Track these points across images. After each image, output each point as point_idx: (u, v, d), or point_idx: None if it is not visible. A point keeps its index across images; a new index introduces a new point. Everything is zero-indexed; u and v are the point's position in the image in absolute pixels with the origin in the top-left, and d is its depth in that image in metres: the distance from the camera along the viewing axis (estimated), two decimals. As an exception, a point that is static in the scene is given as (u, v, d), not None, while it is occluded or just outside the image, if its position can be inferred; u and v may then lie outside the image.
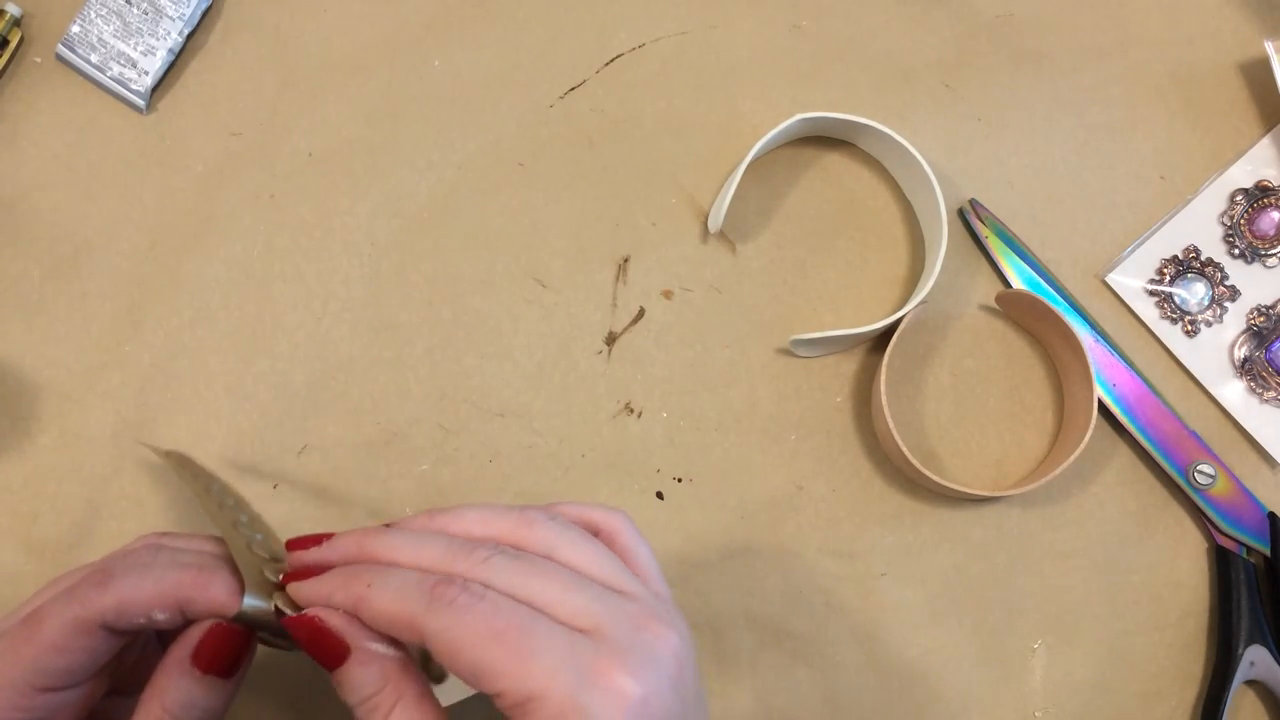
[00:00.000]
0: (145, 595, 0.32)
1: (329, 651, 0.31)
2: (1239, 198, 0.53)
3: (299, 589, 0.32)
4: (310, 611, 0.32)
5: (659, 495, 0.48)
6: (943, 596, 0.49)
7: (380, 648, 0.31)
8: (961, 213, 0.52)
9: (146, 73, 0.48)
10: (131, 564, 0.33)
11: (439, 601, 0.29)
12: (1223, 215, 0.53)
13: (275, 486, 0.47)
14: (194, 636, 0.32)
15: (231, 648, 0.32)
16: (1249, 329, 0.52)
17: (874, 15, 0.53)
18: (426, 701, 0.31)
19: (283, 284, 0.49)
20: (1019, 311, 0.51)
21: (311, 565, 0.33)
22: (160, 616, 0.32)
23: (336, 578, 0.32)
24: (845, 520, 0.49)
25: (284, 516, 0.47)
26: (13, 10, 0.48)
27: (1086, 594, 0.49)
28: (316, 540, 0.34)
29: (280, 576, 0.33)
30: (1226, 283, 0.52)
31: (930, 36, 0.54)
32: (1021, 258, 0.51)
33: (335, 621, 0.31)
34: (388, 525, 0.34)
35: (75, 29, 0.48)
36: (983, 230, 0.51)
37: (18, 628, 0.32)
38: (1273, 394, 0.51)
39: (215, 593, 0.32)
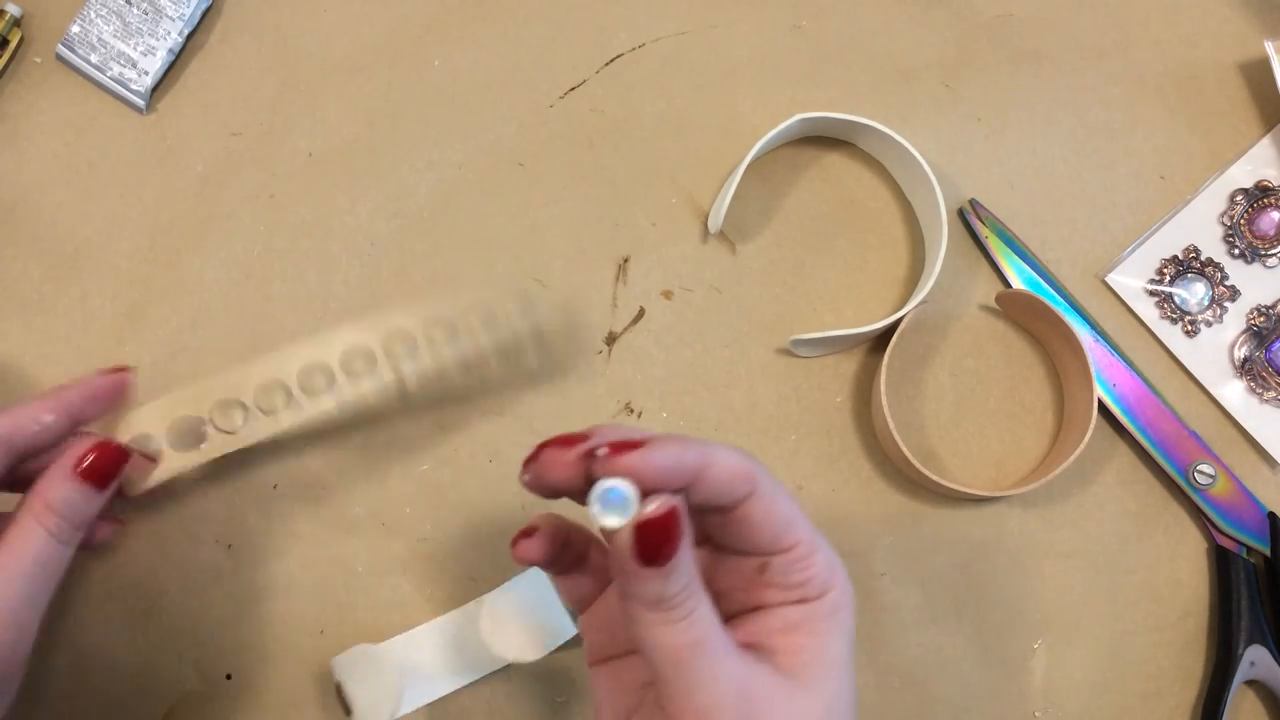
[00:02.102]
0: (38, 421, 0.39)
1: (670, 545, 0.28)
2: (1239, 198, 0.53)
3: (645, 456, 0.28)
4: (669, 503, 0.28)
5: (659, 495, 0.48)
6: (943, 596, 0.49)
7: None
8: (961, 213, 0.52)
9: (146, 73, 0.48)
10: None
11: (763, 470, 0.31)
12: (1223, 215, 0.53)
13: (275, 486, 0.47)
14: (79, 449, 0.38)
15: (112, 464, 0.38)
16: (1249, 329, 0.52)
17: (874, 15, 0.53)
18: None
19: (283, 284, 0.49)
20: (1019, 311, 0.51)
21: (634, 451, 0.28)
22: (48, 419, 0.39)
23: (676, 444, 0.29)
24: (845, 520, 0.49)
25: (284, 516, 0.47)
26: (13, 10, 0.48)
27: (1086, 594, 0.49)
28: (636, 444, 0.29)
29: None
30: (1226, 283, 0.52)
31: (930, 36, 0.54)
32: (1021, 258, 0.51)
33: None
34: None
35: (75, 29, 0.48)
36: (983, 230, 0.51)
37: None
38: (1273, 394, 0.51)
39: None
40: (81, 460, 0.38)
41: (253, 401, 0.42)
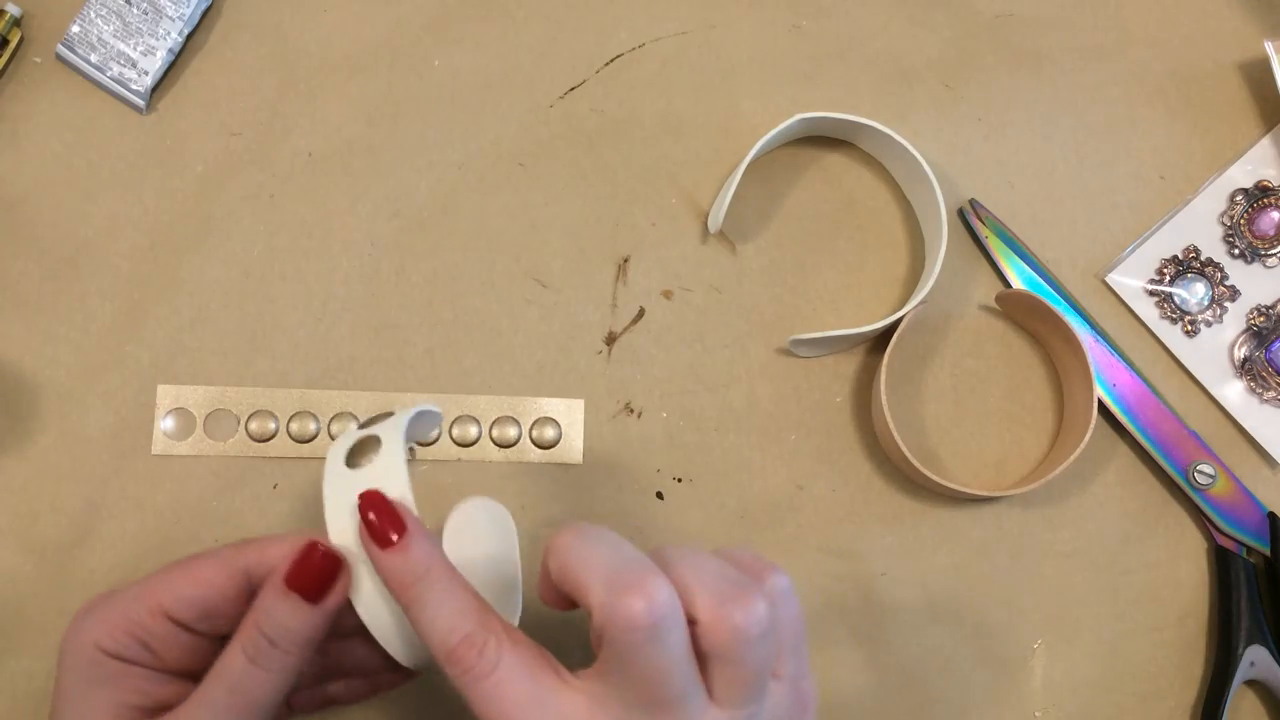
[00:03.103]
0: (280, 549, 0.36)
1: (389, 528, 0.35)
2: (1239, 198, 0.53)
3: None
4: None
5: (659, 495, 0.48)
6: (943, 596, 0.49)
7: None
8: (961, 213, 0.52)
9: (146, 73, 0.48)
10: (270, 535, 0.37)
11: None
12: (1223, 215, 0.53)
13: (275, 486, 0.47)
14: (287, 560, 0.34)
15: (317, 568, 0.34)
16: (1249, 329, 0.52)
17: (874, 15, 0.53)
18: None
19: (283, 284, 0.49)
20: (1019, 311, 0.51)
21: None
22: None
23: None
24: (845, 520, 0.49)
25: (284, 516, 0.47)
26: (13, 10, 0.48)
27: (1086, 594, 0.49)
28: None
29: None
30: (1226, 283, 0.52)
31: (930, 36, 0.54)
32: (1021, 258, 0.51)
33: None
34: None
35: (75, 29, 0.48)
36: (983, 230, 0.51)
37: (178, 562, 0.36)
38: (1273, 394, 0.51)
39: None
40: (289, 571, 0.34)
41: (285, 423, 0.47)
